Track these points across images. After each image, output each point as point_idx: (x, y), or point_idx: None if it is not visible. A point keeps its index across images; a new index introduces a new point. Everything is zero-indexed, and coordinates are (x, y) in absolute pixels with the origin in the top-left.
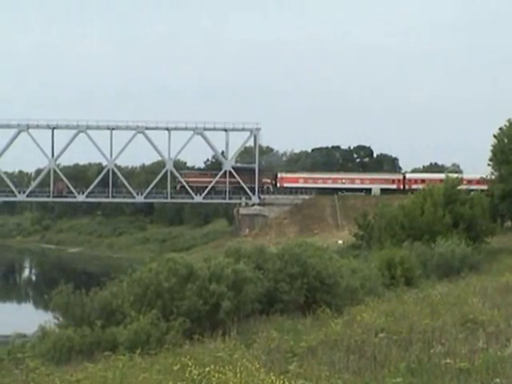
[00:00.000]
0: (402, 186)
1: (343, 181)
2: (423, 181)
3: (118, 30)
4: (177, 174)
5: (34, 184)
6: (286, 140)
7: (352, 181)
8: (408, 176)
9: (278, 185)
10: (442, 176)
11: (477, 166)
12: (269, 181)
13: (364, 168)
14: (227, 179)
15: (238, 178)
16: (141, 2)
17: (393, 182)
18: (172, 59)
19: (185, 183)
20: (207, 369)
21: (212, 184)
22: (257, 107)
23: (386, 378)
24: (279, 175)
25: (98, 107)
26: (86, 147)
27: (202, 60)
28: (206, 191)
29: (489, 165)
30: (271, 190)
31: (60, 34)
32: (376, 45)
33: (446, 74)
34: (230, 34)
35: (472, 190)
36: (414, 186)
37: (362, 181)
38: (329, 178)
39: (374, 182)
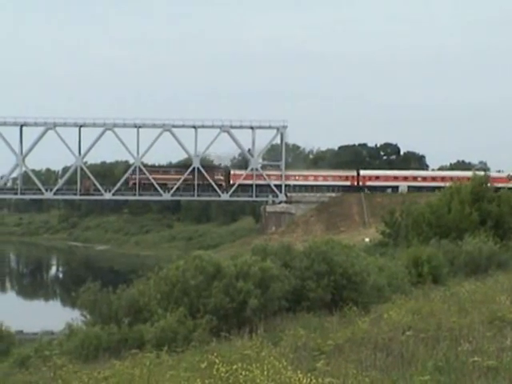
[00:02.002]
0: (355, 183)
1: (297, 178)
2: (377, 178)
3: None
4: (203, 170)
5: (61, 182)
6: (312, 138)
7: (305, 178)
8: (362, 173)
9: (231, 182)
10: (396, 173)
11: (504, 164)
12: (222, 178)
13: (391, 166)
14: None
15: (206, 175)
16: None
17: (346, 178)
18: (197, 58)
19: (153, 180)
20: (234, 366)
21: (180, 181)
22: (283, 105)
23: (413, 376)
24: (232, 172)
25: (124, 106)
26: (113, 145)
27: (228, 59)
28: (174, 188)
29: None
30: (224, 186)
31: (79, 36)
32: (402, 46)
33: (476, 74)
34: (255, 34)
35: (499, 188)
36: (369, 183)
37: (316, 178)
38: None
39: (327, 178)
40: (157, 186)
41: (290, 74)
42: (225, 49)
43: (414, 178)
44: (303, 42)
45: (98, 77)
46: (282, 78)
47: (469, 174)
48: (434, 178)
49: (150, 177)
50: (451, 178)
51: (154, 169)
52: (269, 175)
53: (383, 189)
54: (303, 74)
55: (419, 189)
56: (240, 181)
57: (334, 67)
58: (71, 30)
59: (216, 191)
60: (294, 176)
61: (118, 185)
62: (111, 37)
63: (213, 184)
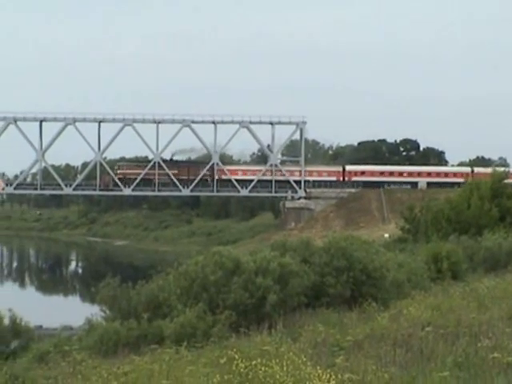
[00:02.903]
0: (341, 178)
1: (278, 174)
2: (363, 173)
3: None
4: (222, 165)
5: (80, 177)
6: (332, 133)
7: (291, 173)
8: (348, 168)
9: (217, 177)
10: (379, 168)
11: None
12: (208, 173)
13: (410, 161)
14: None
15: (168, 170)
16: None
17: (333, 174)
18: (216, 55)
19: (113, 175)
20: (254, 362)
21: (141, 175)
22: (303, 101)
23: (432, 372)
24: (226, 168)
25: (143, 101)
26: (133, 141)
27: (247, 55)
28: (193, 184)
29: None
30: (209, 182)
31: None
32: (422, 40)
33: (497, 68)
34: (274, 30)
35: None
36: (354, 178)
37: (299, 173)
38: (262, 170)
39: (312, 174)
40: (176, 181)
41: (309, 70)
42: (243, 44)
43: (400, 174)
44: (322, 38)
45: (116, 72)
46: (301, 74)
47: (455, 169)
48: (419, 174)
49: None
50: (434, 174)
51: (127, 164)
52: (277, 171)
53: (400, 184)
54: (323, 70)
55: (440, 185)
56: (226, 176)
57: (354, 62)
58: (89, 25)
59: (235, 187)
60: (277, 171)
61: (137, 180)
62: (129, 32)
63: (174, 180)
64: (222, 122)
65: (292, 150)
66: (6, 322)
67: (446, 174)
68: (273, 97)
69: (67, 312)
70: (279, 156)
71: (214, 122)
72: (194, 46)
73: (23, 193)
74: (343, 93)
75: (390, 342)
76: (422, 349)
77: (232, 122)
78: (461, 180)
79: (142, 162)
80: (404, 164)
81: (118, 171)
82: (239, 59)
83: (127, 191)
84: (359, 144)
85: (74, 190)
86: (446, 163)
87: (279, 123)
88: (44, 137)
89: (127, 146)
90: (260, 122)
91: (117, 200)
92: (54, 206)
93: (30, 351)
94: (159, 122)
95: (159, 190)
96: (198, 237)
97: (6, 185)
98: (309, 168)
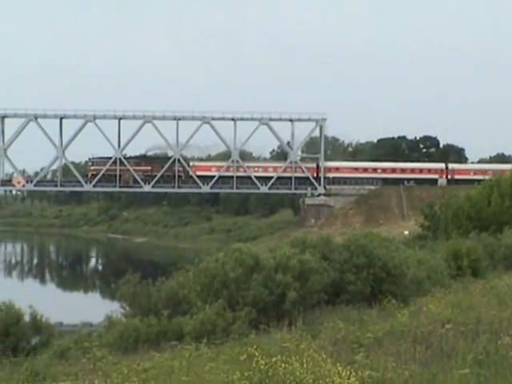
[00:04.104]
0: (315, 175)
1: (256, 169)
2: (337, 169)
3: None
4: (241, 162)
5: (100, 174)
6: (352, 130)
7: (275, 169)
8: (326, 164)
9: (190, 173)
10: (358, 164)
11: None
12: (181, 169)
13: (430, 158)
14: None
15: (129, 167)
16: None
17: (308, 170)
18: (236, 51)
19: (133, 171)
20: (274, 359)
21: (102, 171)
22: (323, 98)
23: (453, 369)
24: (191, 163)
25: (164, 98)
26: (152, 137)
27: (263, 51)
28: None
29: None
30: (183, 178)
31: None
32: (440, 39)
33: None
34: (292, 28)
35: None
36: (328, 175)
37: (274, 169)
38: (282, 167)
39: (267, 169)
40: (196, 178)
41: (330, 68)
42: (262, 42)
43: (374, 170)
44: (340, 37)
45: (136, 69)
46: (321, 71)
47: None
48: (393, 170)
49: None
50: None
51: (104, 161)
52: (297, 167)
53: (420, 182)
54: (343, 67)
55: (457, 182)
56: (200, 172)
57: (373, 60)
58: (111, 23)
59: (255, 184)
60: (254, 167)
61: (157, 177)
62: (151, 30)
63: (135, 177)
64: (242, 119)
65: (312, 146)
66: (27, 318)
67: (421, 171)
68: (293, 94)
69: (87, 309)
70: (299, 153)
71: (233, 119)
72: (214, 44)
73: (43, 190)
74: (363, 90)
75: (410, 339)
76: (442, 346)
77: (252, 119)
78: (435, 176)
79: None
80: (424, 161)
81: (92, 167)
82: (260, 57)
83: (147, 188)
84: (379, 141)
85: (94, 186)
86: (465, 160)
87: (299, 120)
88: (64, 134)
89: (147, 143)
90: (280, 119)
91: (137, 196)
92: (74, 202)
93: (51, 348)
94: (179, 119)
95: (179, 187)
96: (217, 234)
97: (27, 182)
98: (277, 164)
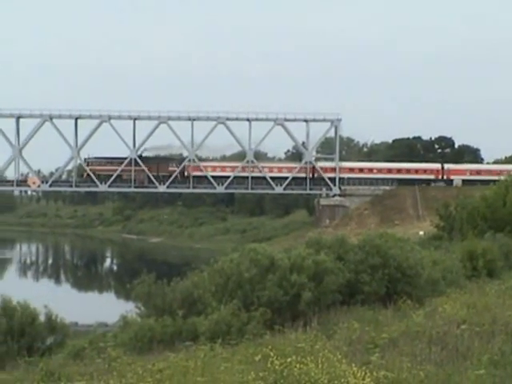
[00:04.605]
0: (311, 175)
1: (252, 170)
2: (333, 169)
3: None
4: (256, 162)
5: (115, 174)
6: (367, 131)
7: (290, 169)
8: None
9: (186, 173)
10: (367, 165)
11: None
12: (176, 169)
13: (444, 159)
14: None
15: (144, 167)
16: None
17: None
18: (251, 51)
19: (89, 171)
20: (289, 359)
21: (117, 172)
22: (338, 98)
23: (468, 369)
24: (186, 164)
25: (178, 98)
26: (168, 138)
27: (281, 51)
28: (111, 179)
29: None
30: (179, 178)
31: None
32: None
33: None
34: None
35: None
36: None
37: (289, 169)
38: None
39: (282, 170)
40: (211, 179)
41: (345, 67)
42: (279, 42)
43: (351, 170)
44: (356, 35)
45: (152, 70)
46: (336, 71)
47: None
48: (370, 170)
49: (100, 168)
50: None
51: (99, 161)
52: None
53: (436, 182)
54: (358, 67)
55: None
56: (195, 173)
57: (389, 60)
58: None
59: (270, 184)
60: (251, 168)
61: (172, 177)
62: (165, 29)
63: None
64: (257, 120)
65: (327, 147)
66: (42, 318)
67: (417, 171)
68: (308, 93)
69: (102, 309)
70: (314, 153)
71: (248, 119)
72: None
73: (58, 190)
74: (379, 90)
75: (425, 339)
76: (457, 347)
77: (266, 120)
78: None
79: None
80: (438, 162)
81: (88, 167)
82: (276, 56)
83: (162, 188)
84: (394, 141)
85: (109, 186)
86: (481, 161)
87: (314, 121)
88: (79, 134)
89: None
90: (294, 120)
91: (152, 197)
92: (89, 202)
93: (66, 347)
94: (194, 120)
95: (194, 187)
96: (232, 234)
97: (42, 182)
98: (276, 164)
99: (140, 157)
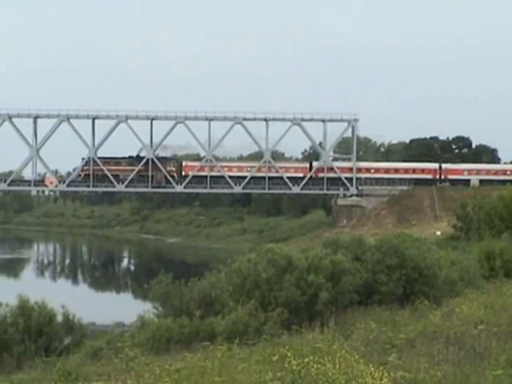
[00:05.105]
0: (312, 176)
1: (248, 169)
2: (350, 169)
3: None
4: (273, 162)
5: (132, 174)
6: (384, 131)
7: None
8: (315, 164)
9: (183, 173)
10: (379, 165)
11: None
12: (174, 169)
13: (462, 159)
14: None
15: (161, 167)
16: None
17: (299, 170)
18: (268, 52)
19: (165, 171)
20: (306, 359)
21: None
22: (355, 98)
23: (485, 370)
24: (184, 163)
25: (196, 98)
26: (185, 138)
27: (298, 52)
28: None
29: None
30: (176, 178)
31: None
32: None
33: None
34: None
35: None
36: (321, 175)
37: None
38: (231, 166)
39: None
40: (228, 178)
41: (362, 68)
42: (295, 43)
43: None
44: (373, 35)
45: (169, 70)
46: (353, 71)
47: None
48: (350, 169)
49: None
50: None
51: (108, 161)
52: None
53: (456, 182)
54: (375, 67)
55: (490, 182)
56: (193, 172)
57: (405, 60)
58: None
59: (287, 184)
60: (246, 167)
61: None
62: (186, 29)
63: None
64: (274, 119)
65: (344, 147)
66: (60, 318)
67: (414, 171)
68: (325, 93)
69: (120, 309)
70: (331, 153)
71: (265, 119)
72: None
73: (76, 190)
74: (397, 90)
75: (443, 340)
76: (474, 347)
77: (284, 120)
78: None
79: (123, 159)
80: (456, 162)
81: (85, 167)
82: (291, 57)
83: (179, 188)
84: (411, 141)
85: (126, 187)
86: (498, 161)
87: (331, 121)
88: (96, 134)
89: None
90: (312, 120)
91: (169, 197)
92: (106, 202)
93: (83, 347)
94: (211, 120)
95: (211, 187)
96: (249, 234)
97: (59, 182)
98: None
99: (138, 157)
